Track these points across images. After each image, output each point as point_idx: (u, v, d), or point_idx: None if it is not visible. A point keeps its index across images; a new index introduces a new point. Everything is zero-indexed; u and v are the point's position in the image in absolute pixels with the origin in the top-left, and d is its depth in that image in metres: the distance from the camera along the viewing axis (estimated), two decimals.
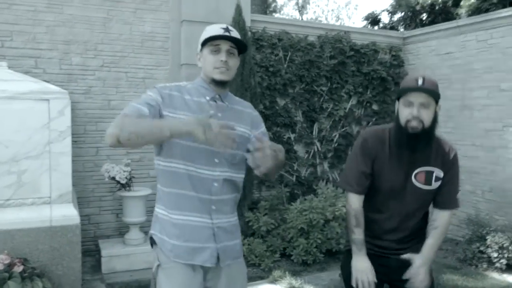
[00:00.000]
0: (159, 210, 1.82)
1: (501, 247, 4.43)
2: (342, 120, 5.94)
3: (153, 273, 1.81)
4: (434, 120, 1.96)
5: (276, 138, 5.46)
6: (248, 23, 5.09)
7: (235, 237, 1.87)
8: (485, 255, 4.50)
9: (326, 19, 17.29)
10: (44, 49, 4.54)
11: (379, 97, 6.14)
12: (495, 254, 4.42)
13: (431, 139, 1.99)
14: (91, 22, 4.71)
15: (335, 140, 5.92)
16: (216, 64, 1.75)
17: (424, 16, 8.02)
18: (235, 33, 1.78)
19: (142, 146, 1.65)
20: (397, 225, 2.08)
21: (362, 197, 2.09)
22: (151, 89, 1.78)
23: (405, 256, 2.04)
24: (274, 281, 4.05)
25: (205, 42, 1.78)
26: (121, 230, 4.83)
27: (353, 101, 6.03)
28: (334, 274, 4.21)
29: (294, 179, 5.63)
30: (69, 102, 3.74)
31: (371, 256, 2.08)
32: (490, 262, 4.47)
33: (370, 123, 6.05)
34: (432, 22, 7.68)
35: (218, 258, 1.76)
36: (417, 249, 2.07)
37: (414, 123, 1.91)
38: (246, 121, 1.87)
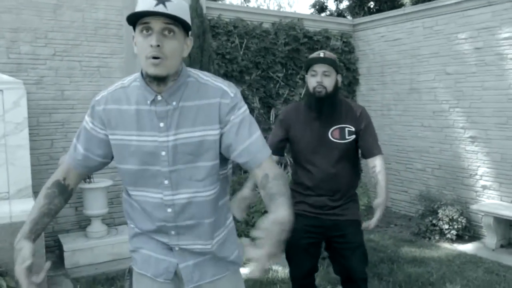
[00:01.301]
0: (127, 220, 1.69)
1: (451, 219, 4.75)
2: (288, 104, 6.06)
3: (129, 270, 1.72)
4: (336, 86, 2.40)
5: None
6: (204, 10, 5.06)
7: (214, 257, 1.56)
8: (437, 228, 4.81)
9: (268, 6, 17.39)
10: None
11: None
12: (446, 226, 4.73)
13: (334, 101, 2.39)
14: (40, 8, 4.49)
15: None
16: (147, 51, 1.28)
17: (372, 4, 8.30)
18: (172, 6, 1.28)
19: None
20: (325, 176, 2.41)
21: (276, 157, 2.50)
22: (89, 109, 1.49)
23: (365, 224, 2.38)
24: (243, 265, 4.10)
25: (132, 21, 1.32)
26: (81, 224, 4.69)
27: None
28: None
29: None
30: (24, 92, 3.59)
31: (306, 217, 2.44)
32: (442, 234, 4.78)
33: None
34: (378, 10, 7.98)
35: (177, 275, 1.55)
36: (347, 208, 2.46)
37: (319, 89, 2.34)
38: (205, 119, 1.40)
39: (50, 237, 4.58)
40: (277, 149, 2.54)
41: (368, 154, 2.44)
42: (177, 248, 1.52)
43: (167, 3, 1.27)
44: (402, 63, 5.79)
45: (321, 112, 2.38)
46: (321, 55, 2.37)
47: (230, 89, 1.43)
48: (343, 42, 6.41)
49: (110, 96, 1.44)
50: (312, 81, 2.38)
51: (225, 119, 1.40)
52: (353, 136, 2.42)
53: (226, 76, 5.43)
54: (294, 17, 6.07)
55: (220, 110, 1.40)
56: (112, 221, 4.86)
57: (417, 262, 4.05)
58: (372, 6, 8.31)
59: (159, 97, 1.38)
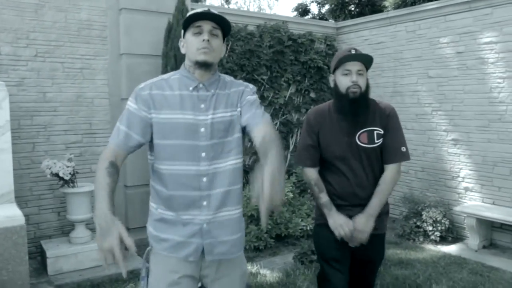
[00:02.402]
0: (151, 204, 1.82)
1: (435, 221, 4.82)
2: (282, 108, 6.08)
3: (145, 258, 1.80)
4: (367, 86, 2.23)
5: None
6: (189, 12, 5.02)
7: (233, 232, 1.77)
8: (421, 229, 4.87)
9: (248, 8, 17.40)
10: None
11: (316, 85, 6.36)
12: (430, 228, 4.80)
13: (368, 102, 2.22)
14: (21, 8, 4.38)
15: (276, 127, 6.04)
16: (199, 44, 1.67)
17: (352, 7, 8.38)
18: (218, 15, 1.71)
19: None
20: (355, 186, 2.22)
21: (317, 168, 2.31)
22: (131, 96, 1.73)
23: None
24: None
25: (186, 26, 1.72)
26: (64, 229, 4.59)
27: (292, 89, 6.18)
28: (286, 257, 4.34)
29: None
30: (7, 94, 3.49)
31: (333, 232, 2.22)
32: (426, 235, 4.85)
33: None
34: (360, 13, 8.06)
35: (203, 252, 1.72)
36: (380, 218, 2.25)
37: (354, 89, 2.15)
38: (233, 102, 1.76)
39: (31, 243, 4.46)
40: (314, 159, 2.30)
41: (386, 160, 2.23)
42: (205, 225, 1.70)
43: (212, 11, 1.68)
44: (385, 66, 5.86)
45: (355, 114, 2.19)
46: (353, 52, 2.17)
47: (250, 85, 1.86)
48: (327, 45, 6.45)
49: (154, 85, 1.73)
50: (345, 81, 2.17)
51: (242, 99, 1.77)
52: (381, 140, 2.22)
53: None
54: (279, 19, 6.09)
55: (242, 95, 1.78)
56: None
57: (403, 264, 4.10)
58: (352, 9, 8.39)
59: (200, 85, 1.73)
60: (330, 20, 8.71)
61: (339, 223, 2.18)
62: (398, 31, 5.69)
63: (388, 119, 2.22)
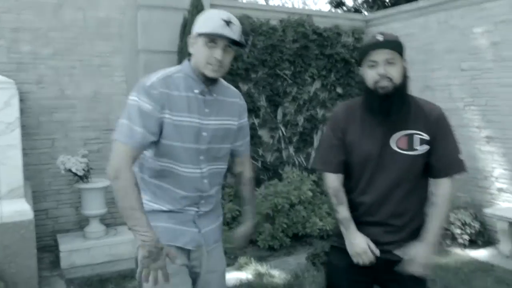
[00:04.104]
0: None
1: (464, 224, 4.49)
2: (307, 103, 5.89)
3: (137, 252, 1.74)
4: (405, 76, 1.80)
5: None
6: (208, 8, 4.95)
7: (215, 220, 1.89)
8: (448, 232, 4.55)
9: (293, 4, 17.18)
10: None
11: (343, 80, 6.11)
12: (458, 231, 4.48)
13: (405, 97, 1.80)
14: (41, 8, 4.48)
15: (300, 124, 5.87)
16: (210, 60, 1.63)
17: None
18: (235, 29, 1.64)
19: None
20: (382, 199, 1.83)
21: (340, 175, 1.91)
22: (138, 92, 1.62)
23: (398, 251, 1.81)
24: (240, 268, 3.99)
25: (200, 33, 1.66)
26: (82, 224, 4.67)
27: (317, 84, 5.98)
28: (301, 258, 4.18)
29: (259, 164, 5.56)
30: (16, 92, 3.55)
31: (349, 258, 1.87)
32: (454, 239, 4.52)
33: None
34: (394, 4, 7.69)
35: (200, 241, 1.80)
36: (410, 243, 1.82)
37: (383, 82, 1.74)
38: (234, 112, 1.83)
39: (49, 236, 4.58)
40: (338, 163, 1.90)
41: (438, 173, 1.82)
42: (197, 217, 1.77)
43: (231, 26, 1.62)
44: (416, 59, 5.53)
45: (389, 112, 1.77)
46: (380, 38, 1.75)
47: (240, 95, 1.92)
48: (355, 38, 6.18)
49: (161, 82, 1.66)
50: (371, 74, 1.76)
51: (242, 115, 1.88)
52: (426, 147, 1.80)
53: (231, 74, 5.31)
54: (303, 13, 5.90)
55: (239, 108, 1.86)
56: (114, 221, 4.81)
57: None
58: (388, 1, 8.02)
59: (206, 89, 1.72)
60: (364, 13, 8.39)
61: (358, 251, 1.82)
62: (429, 22, 5.35)
63: (436, 123, 1.81)
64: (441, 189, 1.82)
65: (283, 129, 5.75)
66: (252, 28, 5.45)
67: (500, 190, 4.65)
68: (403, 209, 1.83)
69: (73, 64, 4.65)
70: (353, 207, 1.89)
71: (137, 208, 1.53)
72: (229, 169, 1.94)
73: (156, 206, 1.75)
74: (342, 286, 1.94)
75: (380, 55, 1.74)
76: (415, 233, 1.84)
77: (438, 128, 1.81)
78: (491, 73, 4.70)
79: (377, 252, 1.82)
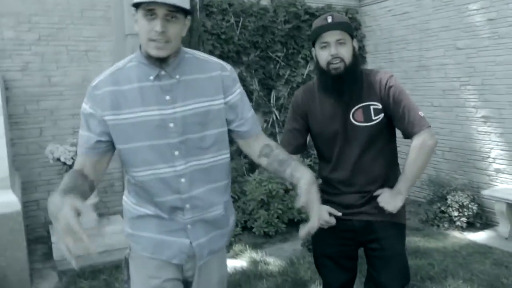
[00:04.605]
0: (126, 200, 1.64)
1: (461, 206, 4.43)
2: (300, 86, 5.77)
3: (124, 263, 1.65)
4: (355, 56, 1.89)
5: None
6: None
7: (219, 227, 1.60)
8: (446, 215, 4.50)
9: None
10: None
11: None
12: (456, 213, 4.43)
13: (356, 75, 1.89)
14: None
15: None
16: (151, 34, 1.36)
17: None
18: None
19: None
20: (353, 169, 1.93)
21: (299, 156, 2.08)
22: (86, 96, 1.48)
23: (377, 192, 1.91)
24: (235, 256, 3.93)
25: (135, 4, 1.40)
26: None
27: (311, 66, 5.86)
28: (296, 244, 4.13)
29: None
30: None
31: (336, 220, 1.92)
32: (451, 221, 4.47)
33: None
34: None
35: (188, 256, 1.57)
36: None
37: (335, 63, 1.84)
38: (212, 90, 1.49)
39: (42, 227, 4.50)
40: (298, 147, 2.04)
41: (407, 135, 1.90)
42: (189, 226, 1.52)
43: None
44: (411, 38, 5.42)
45: (341, 92, 1.87)
46: (329, 20, 1.84)
47: (226, 64, 1.57)
48: (349, 18, 6.04)
49: (108, 80, 1.46)
50: (323, 55, 1.85)
51: (229, 89, 1.53)
52: (381, 115, 1.89)
53: (222, 57, 5.17)
54: None
55: (223, 81, 1.51)
56: (107, 211, 4.74)
57: (420, 253, 3.78)
58: None
59: (162, 72, 1.45)
60: None
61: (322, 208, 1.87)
62: None
63: (388, 90, 1.87)
64: (412, 143, 1.89)
65: (276, 113, 5.65)
66: (242, 9, 5.30)
67: (498, 171, 4.59)
68: (376, 176, 1.94)
69: (59, 50, 4.51)
70: (329, 183, 2.00)
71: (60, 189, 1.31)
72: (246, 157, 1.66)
73: (142, 210, 1.55)
74: (327, 254, 2.03)
75: (331, 36, 1.83)
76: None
77: (389, 94, 1.88)
78: (487, 51, 4.59)
79: (338, 213, 1.92)
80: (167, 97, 1.45)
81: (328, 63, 1.84)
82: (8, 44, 4.29)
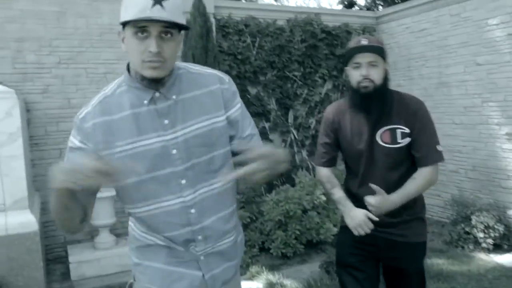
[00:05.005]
0: (133, 226, 1.50)
1: (487, 227, 4.27)
2: (318, 105, 5.74)
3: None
4: (385, 78, 1.97)
5: None
6: (211, 10, 4.86)
7: (232, 258, 1.49)
8: (471, 236, 4.34)
9: (307, 4, 17.01)
10: None
11: None
12: (481, 234, 4.26)
13: (385, 97, 1.97)
14: (44, 17, 4.44)
15: (312, 127, 5.72)
16: (144, 56, 1.22)
17: None
18: (169, 5, 1.21)
19: (75, 222, 1.33)
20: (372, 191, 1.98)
21: (331, 168, 2.16)
22: (73, 129, 1.34)
23: (374, 186, 1.95)
24: (251, 278, 3.85)
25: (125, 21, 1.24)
26: (93, 234, 4.59)
27: (328, 85, 5.83)
28: (314, 266, 4.02)
29: None
30: (17, 101, 3.50)
31: (360, 235, 1.99)
32: (477, 243, 4.30)
33: None
34: None
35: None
36: (409, 228, 2.02)
37: (365, 83, 1.91)
38: (209, 106, 1.36)
39: (61, 247, 4.52)
40: (330, 160, 2.15)
41: (419, 163, 1.97)
42: (202, 257, 1.40)
43: (164, 3, 1.19)
44: (429, 55, 5.34)
45: (369, 111, 1.96)
46: (363, 42, 1.92)
47: (224, 75, 1.44)
48: None
49: (96, 110, 1.33)
50: (355, 75, 1.93)
51: (229, 103, 1.40)
52: (407, 139, 1.95)
53: (239, 77, 5.20)
54: (311, 12, 5.76)
55: (223, 95, 1.38)
56: (124, 231, 4.73)
57: (443, 276, 3.63)
58: None
59: (157, 94, 1.31)
60: (379, 8, 8.19)
61: (357, 222, 1.94)
62: (441, 16, 5.16)
63: (415, 116, 1.95)
64: (421, 172, 1.97)
65: (294, 132, 5.61)
66: (258, 29, 5.34)
67: None
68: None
69: (79, 72, 4.59)
70: (356, 199, 2.03)
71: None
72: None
73: (151, 239, 1.40)
74: (348, 262, 2.08)
75: (363, 58, 1.91)
76: (414, 215, 2.03)
77: (417, 121, 1.95)
78: (509, 66, 4.49)
79: (375, 218, 1.93)
80: (166, 121, 1.31)
81: (358, 82, 1.93)
82: (30, 68, 4.40)
